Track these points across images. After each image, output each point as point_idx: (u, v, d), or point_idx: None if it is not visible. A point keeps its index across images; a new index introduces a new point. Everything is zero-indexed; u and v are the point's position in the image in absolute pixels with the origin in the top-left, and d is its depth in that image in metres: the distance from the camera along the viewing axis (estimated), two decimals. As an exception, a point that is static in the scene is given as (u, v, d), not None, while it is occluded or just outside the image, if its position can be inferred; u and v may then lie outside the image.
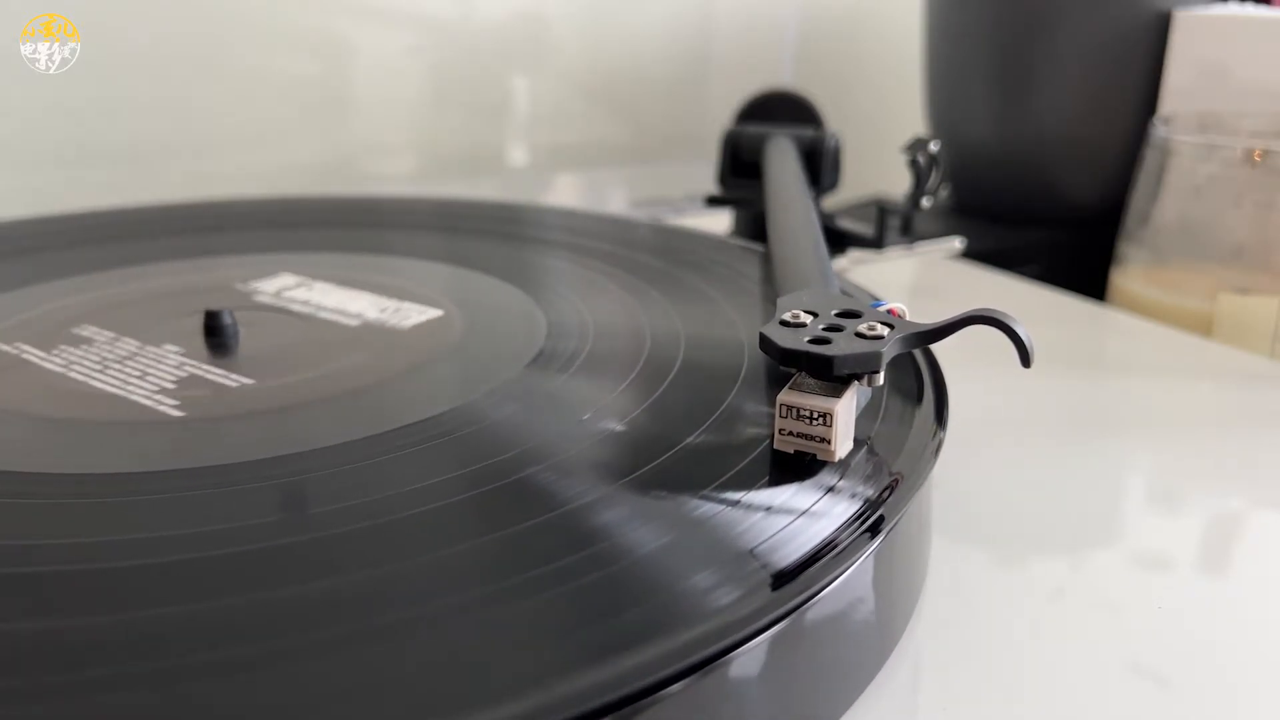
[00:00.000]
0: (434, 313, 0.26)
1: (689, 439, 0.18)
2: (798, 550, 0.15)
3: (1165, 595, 0.20)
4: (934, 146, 0.36)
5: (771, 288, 0.26)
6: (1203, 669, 0.17)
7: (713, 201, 0.41)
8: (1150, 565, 0.21)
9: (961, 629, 0.18)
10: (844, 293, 0.23)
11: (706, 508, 0.16)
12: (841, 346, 0.17)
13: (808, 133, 0.39)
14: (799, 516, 0.16)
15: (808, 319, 0.18)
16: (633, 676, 0.12)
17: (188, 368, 0.22)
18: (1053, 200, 0.51)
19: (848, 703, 0.16)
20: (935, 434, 0.19)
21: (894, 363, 0.22)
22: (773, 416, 0.17)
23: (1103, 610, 0.19)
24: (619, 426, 0.19)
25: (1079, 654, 0.18)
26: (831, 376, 0.17)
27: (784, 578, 0.14)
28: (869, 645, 0.17)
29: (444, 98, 0.54)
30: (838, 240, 0.38)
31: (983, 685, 0.17)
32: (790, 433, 0.17)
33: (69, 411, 0.20)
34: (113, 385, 0.21)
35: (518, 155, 0.57)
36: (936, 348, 0.21)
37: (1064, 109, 0.48)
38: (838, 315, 0.18)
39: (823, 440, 0.17)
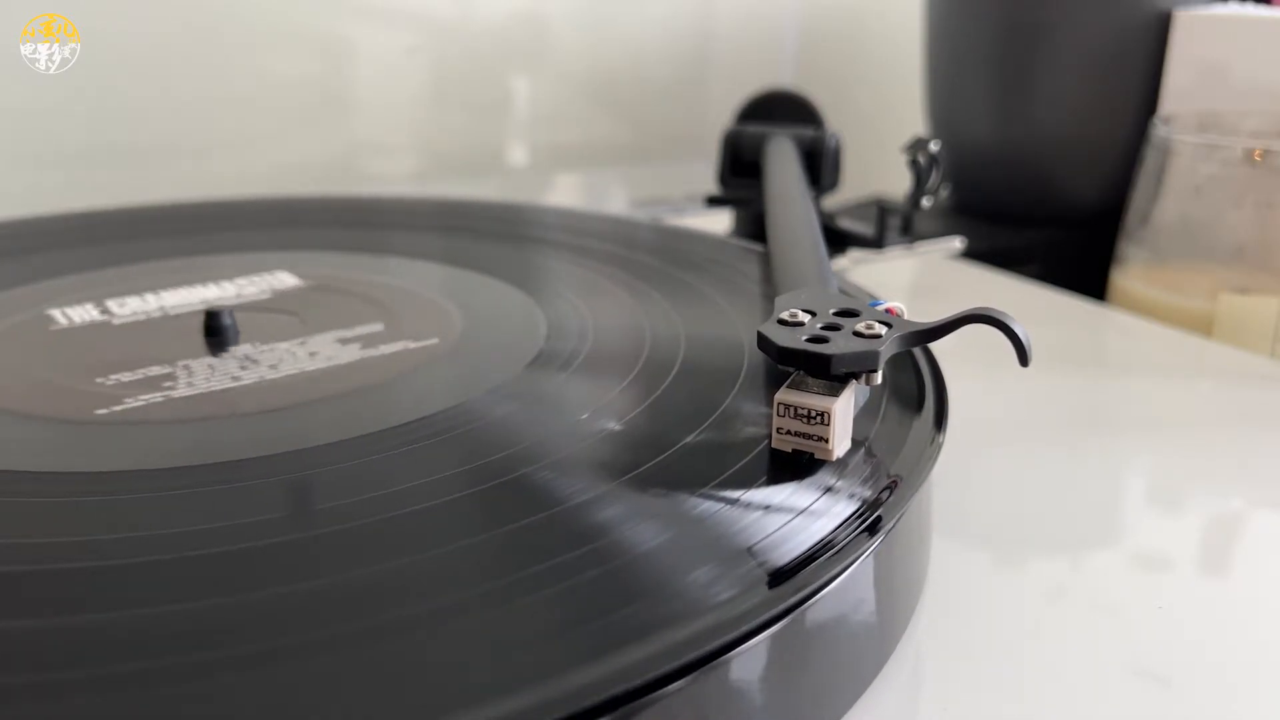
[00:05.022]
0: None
1: (688, 438, 0.18)
2: (796, 549, 0.15)
3: (1165, 595, 0.20)
4: (934, 146, 0.36)
5: (771, 287, 0.26)
6: (1203, 669, 0.17)
7: (713, 201, 0.41)
8: (1150, 565, 0.21)
9: (961, 629, 0.18)
10: (842, 292, 0.23)
11: (705, 506, 0.16)
12: (839, 345, 0.17)
13: (808, 133, 0.39)
14: (797, 515, 0.16)
15: (806, 318, 0.18)
16: (631, 674, 0.12)
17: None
18: (1053, 200, 0.51)
19: (848, 703, 0.16)
20: (935, 434, 0.19)
21: (894, 362, 0.22)
22: (771, 415, 0.17)
23: (1103, 610, 0.19)
24: (618, 425, 0.19)
25: (1079, 654, 0.18)
26: (829, 375, 0.17)
27: (781, 576, 0.14)
28: (869, 645, 0.17)
29: (444, 98, 0.54)
30: (838, 240, 0.38)
31: (983, 685, 0.17)
32: (788, 431, 0.17)
33: (69, 411, 0.20)
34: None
35: (518, 155, 0.57)
36: (936, 347, 0.21)
37: (1064, 109, 0.48)
38: (836, 314, 0.18)
39: (820, 439, 0.17)
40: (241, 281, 0.29)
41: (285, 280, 0.29)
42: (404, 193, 0.42)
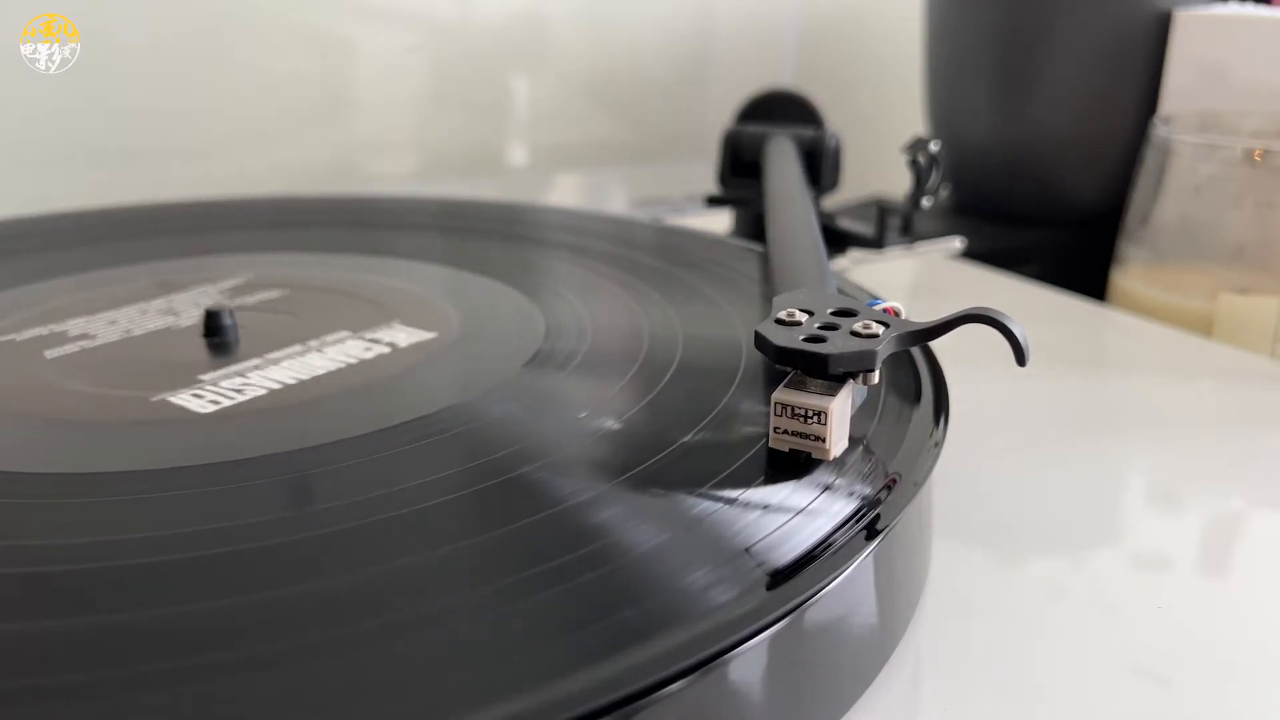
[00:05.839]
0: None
1: (686, 437, 0.18)
2: (794, 549, 0.15)
3: (1165, 595, 0.20)
4: (934, 146, 0.36)
5: (770, 287, 0.26)
6: (1203, 669, 0.17)
7: (713, 201, 0.41)
8: (1150, 565, 0.21)
9: (961, 629, 0.18)
10: (841, 291, 0.23)
11: (703, 506, 0.16)
12: (837, 345, 0.17)
13: (808, 132, 0.39)
14: (795, 515, 0.16)
15: (803, 317, 0.18)
16: (631, 677, 0.12)
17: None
18: (1053, 200, 0.51)
19: (848, 703, 0.16)
20: (933, 433, 0.19)
21: (893, 362, 0.22)
22: (768, 415, 0.17)
23: (1103, 610, 0.19)
24: (616, 425, 0.19)
25: (1079, 654, 0.18)
26: (827, 375, 0.17)
27: (780, 576, 0.14)
28: (869, 645, 0.17)
29: (444, 98, 0.54)
30: (838, 240, 0.38)
31: (983, 685, 0.17)
32: (785, 431, 0.17)
33: (70, 411, 0.20)
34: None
35: (518, 155, 0.57)
36: (936, 347, 0.21)
37: (1064, 109, 0.48)
38: (833, 314, 0.18)
39: (818, 439, 0.17)
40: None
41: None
42: (404, 193, 0.42)
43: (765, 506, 0.16)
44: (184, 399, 0.21)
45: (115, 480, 0.17)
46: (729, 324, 0.25)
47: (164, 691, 0.12)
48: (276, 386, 0.21)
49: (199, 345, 0.24)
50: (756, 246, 0.32)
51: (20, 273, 0.29)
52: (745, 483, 0.17)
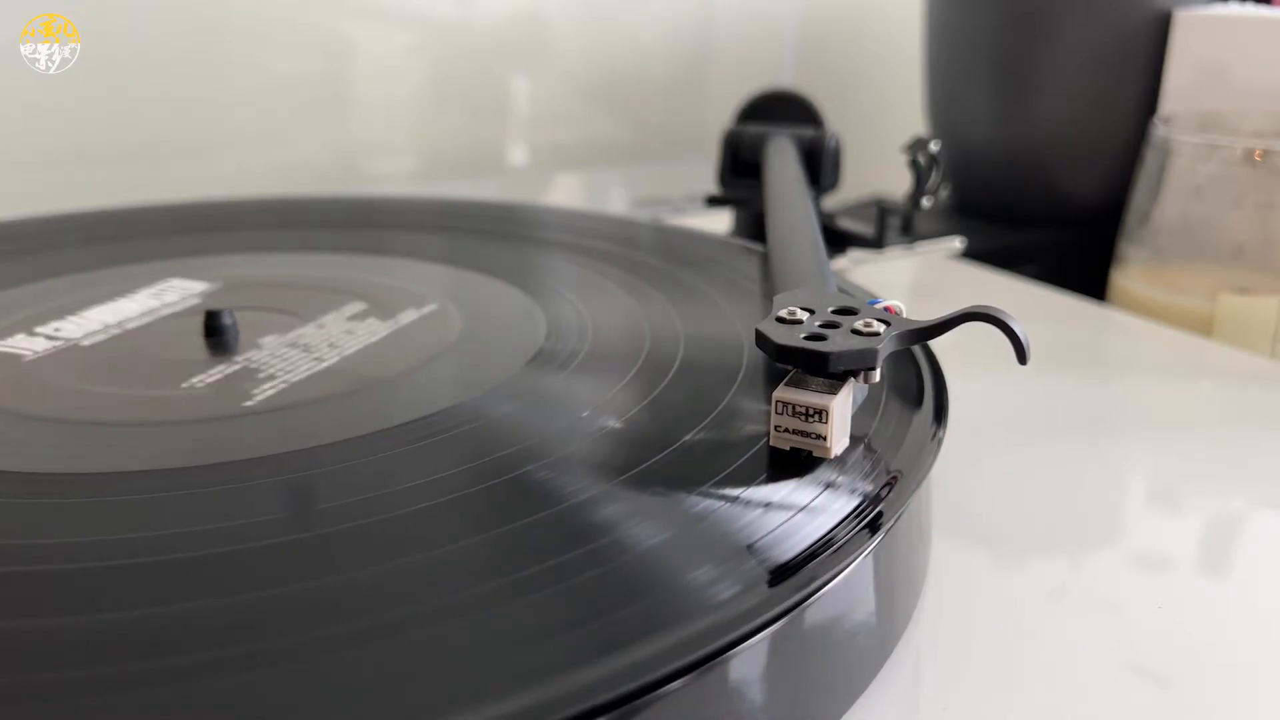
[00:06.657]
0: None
1: (688, 436, 0.18)
2: (796, 547, 0.15)
3: (1165, 595, 0.20)
4: (934, 146, 0.36)
5: (770, 287, 0.26)
6: (1203, 669, 0.17)
7: (713, 201, 0.41)
8: (1150, 565, 0.21)
9: (961, 629, 0.18)
10: (841, 290, 0.23)
11: (705, 504, 0.16)
12: (837, 343, 0.17)
13: (808, 133, 0.39)
14: (796, 513, 0.16)
15: (804, 316, 0.18)
16: (631, 674, 0.12)
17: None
18: (1053, 200, 0.51)
19: (848, 702, 0.16)
20: (934, 432, 0.19)
21: (894, 361, 0.22)
22: (769, 413, 0.17)
23: (1103, 610, 0.19)
24: (618, 424, 0.19)
25: (1079, 654, 0.18)
26: (827, 373, 0.17)
27: (782, 573, 0.14)
28: (870, 643, 0.17)
29: (444, 98, 0.54)
30: (838, 240, 0.38)
31: (983, 685, 0.17)
32: (786, 429, 0.17)
33: (71, 411, 0.20)
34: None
35: (518, 155, 0.57)
36: (937, 347, 0.21)
37: (1064, 109, 0.48)
38: (834, 312, 0.18)
39: (819, 437, 0.17)
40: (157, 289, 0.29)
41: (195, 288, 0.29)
42: (404, 193, 0.42)
43: (766, 504, 0.16)
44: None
45: (115, 481, 0.17)
46: (729, 323, 0.25)
47: (163, 689, 0.12)
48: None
49: (198, 345, 0.24)
50: (756, 246, 0.32)
51: (20, 273, 0.29)
52: (746, 481, 0.17)
